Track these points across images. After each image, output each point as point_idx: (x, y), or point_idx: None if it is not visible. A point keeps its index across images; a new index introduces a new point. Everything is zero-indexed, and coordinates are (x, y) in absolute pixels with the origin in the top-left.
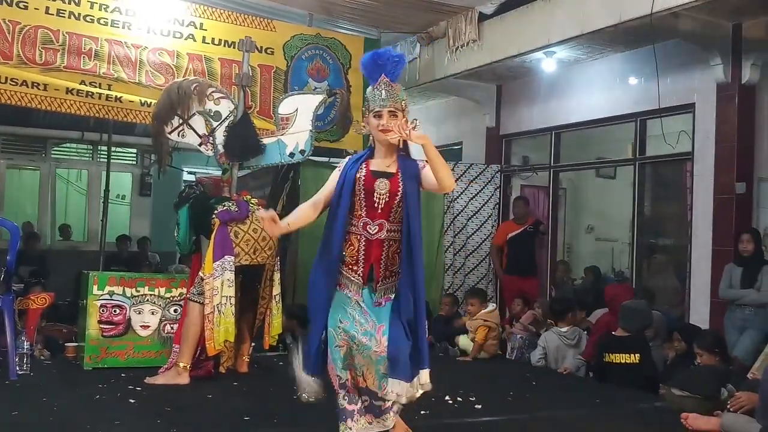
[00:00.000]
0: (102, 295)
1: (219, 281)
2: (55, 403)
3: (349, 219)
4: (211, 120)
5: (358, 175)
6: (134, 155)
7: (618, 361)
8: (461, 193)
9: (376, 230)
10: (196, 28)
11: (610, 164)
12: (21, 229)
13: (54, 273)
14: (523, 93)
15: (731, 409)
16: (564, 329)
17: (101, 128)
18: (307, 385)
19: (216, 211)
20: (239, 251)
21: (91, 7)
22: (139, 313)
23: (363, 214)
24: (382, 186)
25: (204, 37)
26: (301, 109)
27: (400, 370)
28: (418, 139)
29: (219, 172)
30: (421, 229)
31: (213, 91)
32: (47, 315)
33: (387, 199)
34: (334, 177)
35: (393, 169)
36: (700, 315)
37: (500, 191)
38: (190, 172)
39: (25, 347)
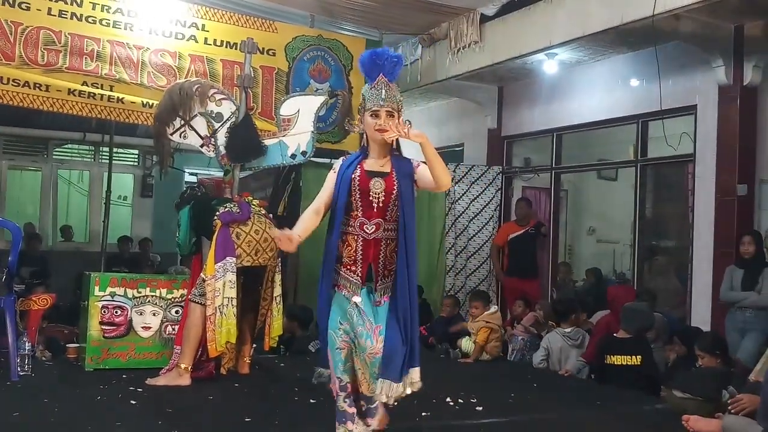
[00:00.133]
0: (103, 296)
1: (221, 282)
2: (56, 404)
3: (346, 220)
4: (212, 121)
5: (353, 176)
6: (136, 156)
7: (619, 363)
8: (462, 194)
9: (373, 230)
10: (197, 29)
11: (612, 166)
12: (22, 230)
13: (55, 274)
14: (524, 94)
15: (732, 411)
16: (568, 330)
17: (103, 129)
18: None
19: (218, 213)
20: (241, 252)
21: (93, 9)
22: (141, 314)
23: (359, 215)
24: (377, 186)
25: (206, 39)
26: (302, 111)
27: (391, 371)
28: (416, 137)
29: (221, 174)
30: (415, 226)
31: (215, 93)
32: (48, 316)
33: (383, 199)
34: (331, 179)
35: (387, 169)
36: (701, 317)
37: (501, 193)
38: (191, 174)
39: (27, 348)
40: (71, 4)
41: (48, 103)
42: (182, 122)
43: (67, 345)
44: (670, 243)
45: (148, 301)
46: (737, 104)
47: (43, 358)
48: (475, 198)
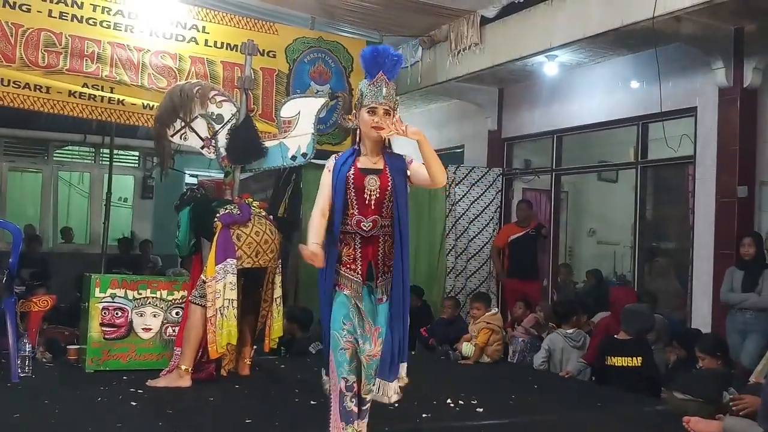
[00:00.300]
0: (104, 297)
1: (221, 284)
2: (56, 406)
3: (343, 218)
4: (213, 123)
5: (348, 174)
6: (136, 158)
7: (620, 365)
8: (463, 196)
9: (370, 227)
10: (198, 31)
11: (612, 168)
12: (23, 231)
13: (56, 275)
14: (525, 96)
15: (734, 409)
16: (569, 331)
17: (103, 131)
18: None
19: (218, 214)
20: (241, 254)
21: (94, 10)
22: (141, 315)
23: (356, 212)
24: (372, 183)
25: (206, 40)
26: (303, 112)
27: (387, 372)
28: (414, 135)
29: (221, 175)
30: (408, 221)
31: (215, 94)
32: (49, 317)
33: (378, 195)
34: (328, 178)
35: (380, 165)
36: (701, 318)
37: (502, 194)
38: (192, 175)
39: (27, 350)
40: (72, 6)
41: (48, 105)
42: (183, 124)
43: (67, 346)
44: (670, 245)
45: (149, 303)
46: (737, 106)
47: (44, 360)
48: (476, 200)
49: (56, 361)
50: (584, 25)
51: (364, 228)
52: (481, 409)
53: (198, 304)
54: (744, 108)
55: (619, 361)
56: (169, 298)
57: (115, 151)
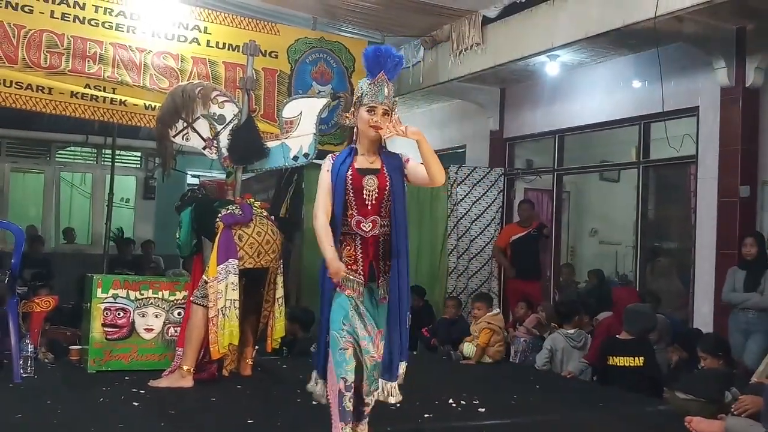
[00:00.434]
0: (106, 298)
1: (223, 284)
2: (58, 406)
3: (342, 220)
4: (215, 123)
5: (347, 174)
6: (138, 158)
7: (622, 365)
8: (465, 196)
9: (369, 227)
10: (200, 31)
11: (614, 167)
12: (25, 232)
13: (58, 276)
14: (526, 96)
15: (735, 413)
16: (570, 331)
17: (105, 132)
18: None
19: (220, 215)
20: (243, 254)
21: (96, 11)
22: (143, 316)
23: (355, 213)
24: (370, 183)
25: (208, 41)
26: (305, 113)
27: (389, 373)
28: (413, 134)
29: (223, 176)
30: (406, 219)
31: (217, 95)
32: (51, 318)
33: (376, 195)
34: (327, 179)
35: (378, 165)
36: (703, 318)
37: (504, 194)
38: (194, 176)
39: (29, 350)
40: (74, 7)
41: (51, 106)
42: (185, 124)
43: (69, 347)
44: (672, 244)
45: (151, 303)
46: (739, 106)
47: (46, 360)
48: (477, 200)
49: (58, 362)
50: (586, 25)
51: (364, 229)
52: (483, 410)
53: (200, 305)
54: (746, 107)
55: (621, 361)
56: (171, 298)
57: (117, 152)
